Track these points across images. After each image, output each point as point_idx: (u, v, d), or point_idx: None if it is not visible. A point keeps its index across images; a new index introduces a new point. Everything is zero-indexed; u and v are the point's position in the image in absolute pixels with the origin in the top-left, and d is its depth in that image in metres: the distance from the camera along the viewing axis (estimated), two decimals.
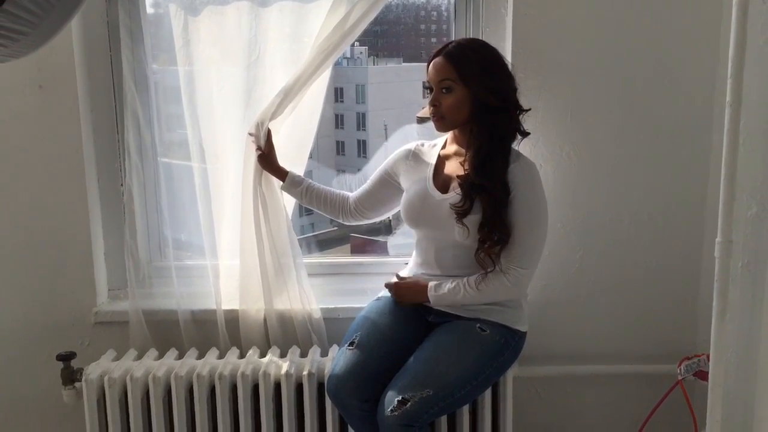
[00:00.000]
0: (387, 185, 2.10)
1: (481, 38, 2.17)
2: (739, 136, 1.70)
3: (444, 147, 2.02)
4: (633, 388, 2.30)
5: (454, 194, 1.89)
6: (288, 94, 2.07)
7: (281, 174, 2.13)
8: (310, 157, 2.26)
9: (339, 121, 2.84)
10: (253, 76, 2.18)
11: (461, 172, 1.88)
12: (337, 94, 2.76)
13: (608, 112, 2.18)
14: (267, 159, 2.11)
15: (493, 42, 2.10)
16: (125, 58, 2.16)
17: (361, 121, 2.85)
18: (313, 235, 2.75)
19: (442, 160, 2.00)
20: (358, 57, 2.76)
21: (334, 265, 2.45)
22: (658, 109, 2.17)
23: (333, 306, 2.27)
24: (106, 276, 2.34)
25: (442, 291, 1.93)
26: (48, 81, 2.14)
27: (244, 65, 2.17)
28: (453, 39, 2.10)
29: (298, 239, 2.23)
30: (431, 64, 1.90)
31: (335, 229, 2.72)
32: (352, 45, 2.31)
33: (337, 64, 2.32)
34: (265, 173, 2.13)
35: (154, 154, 2.28)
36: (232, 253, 2.23)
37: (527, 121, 1.93)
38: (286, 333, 2.23)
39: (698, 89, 2.16)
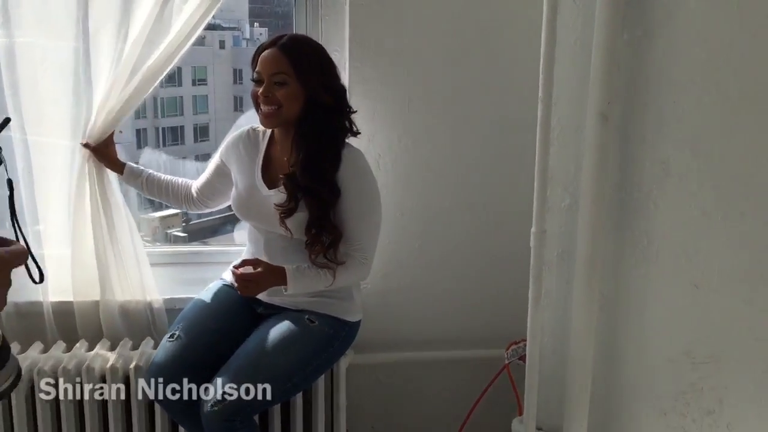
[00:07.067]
0: (222, 174, 2.04)
1: (320, 26, 2.15)
2: (552, 131, 1.78)
3: (273, 137, 1.95)
4: (469, 372, 2.35)
5: (280, 192, 1.83)
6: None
7: (118, 167, 2.06)
8: (208, 140, 2.17)
9: (238, 103, 2.76)
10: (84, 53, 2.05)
11: (288, 169, 1.83)
12: (236, 75, 2.68)
13: (445, 102, 2.20)
14: (102, 153, 2.03)
15: (332, 32, 2.10)
16: None
17: None
18: (196, 223, 2.67)
19: (270, 151, 1.94)
20: (258, 39, 2.66)
21: (177, 255, 2.39)
22: (491, 100, 2.19)
23: (174, 296, 2.21)
24: None
25: (302, 274, 1.83)
26: None
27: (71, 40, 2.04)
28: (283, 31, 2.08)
29: (190, 226, 2.15)
30: (262, 54, 1.82)
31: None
32: (252, 26, 2.24)
33: (236, 44, 2.24)
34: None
35: None
36: (60, 243, 2.12)
37: (365, 114, 1.93)
38: (125, 324, 2.15)
39: (525, 84, 2.19)
